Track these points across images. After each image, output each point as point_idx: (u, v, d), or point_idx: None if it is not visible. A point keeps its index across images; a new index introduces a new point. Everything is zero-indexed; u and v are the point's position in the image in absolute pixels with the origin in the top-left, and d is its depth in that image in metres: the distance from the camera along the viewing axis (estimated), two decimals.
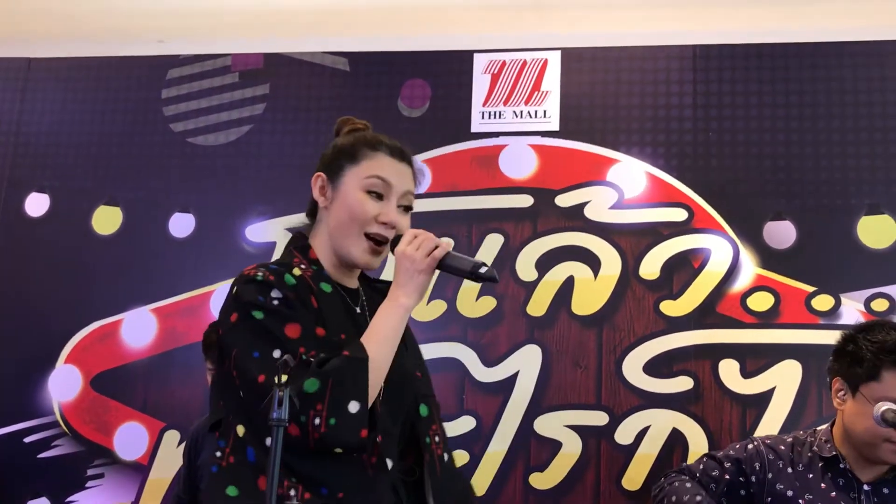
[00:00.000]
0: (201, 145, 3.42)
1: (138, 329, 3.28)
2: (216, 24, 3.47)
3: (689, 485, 2.31)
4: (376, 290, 1.77)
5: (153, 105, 3.49)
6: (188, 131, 3.44)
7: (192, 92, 3.48)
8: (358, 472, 1.52)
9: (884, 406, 2.04)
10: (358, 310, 1.69)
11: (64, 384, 3.28)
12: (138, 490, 3.16)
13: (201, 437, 2.54)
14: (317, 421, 1.43)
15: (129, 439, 3.19)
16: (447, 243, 1.61)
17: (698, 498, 2.24)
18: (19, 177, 3.50)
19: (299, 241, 1.73)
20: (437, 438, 1.67)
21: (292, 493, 1.47)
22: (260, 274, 1.58)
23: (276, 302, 1.54)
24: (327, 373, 1.46)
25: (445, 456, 1.68)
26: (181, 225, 3.36)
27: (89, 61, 3.57)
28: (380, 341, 1.55)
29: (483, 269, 1.57)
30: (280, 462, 1.30)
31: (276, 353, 1.49)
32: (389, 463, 1.55)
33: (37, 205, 3.47)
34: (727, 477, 2.31)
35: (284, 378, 1.30)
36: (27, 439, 3.25)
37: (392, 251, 1.65)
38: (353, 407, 1.45)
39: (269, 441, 1.44)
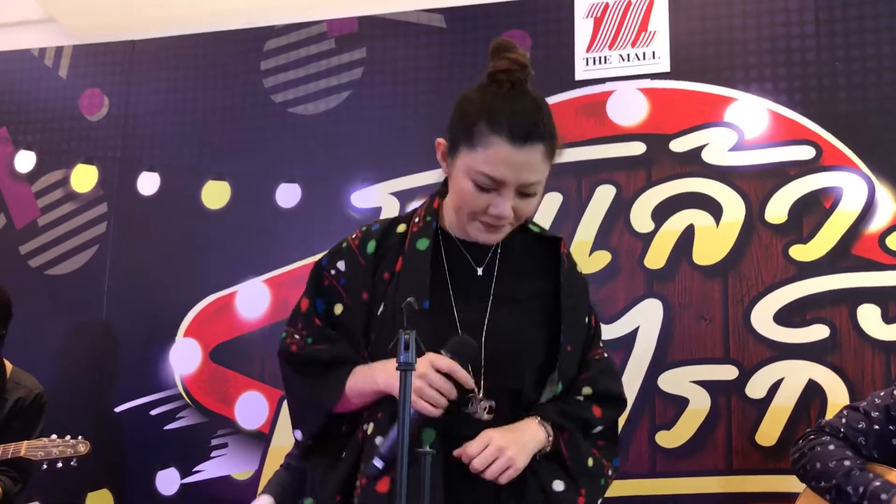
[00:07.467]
0: (302, 114, 3.41)
1: (252, 300, 3.31)
2: None
3: (831, 447, 2.14)
4: (534, 243, 1.66)
5: (253, 77, 3.49)
6: (288, 101, 3.44)
7: (289, 62, 3.46)
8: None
9: None
10: (479, 271, 1.59)
11: (184, 357, 3.34)
12: (261, 458, 3.20)
13: None
14: None
15: (250, 409, 3.24)
16: (432, 410, 1.45)
17: (847, 463, 2.09)
18: (130, 157, 3.58)
19: (439, 188, 1.69)
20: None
21: None
22: (348, 240, 1.65)
23: (332, 272, 1.64)
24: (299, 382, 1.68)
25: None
26: (288, 195, 3.36)
27: (189, 39, 3.60)
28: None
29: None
30: None
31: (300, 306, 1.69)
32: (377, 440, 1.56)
33: (148, 184, 3.54)
34: (876, 427, 2.15)
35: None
36: (153, 412, 3.33)
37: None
38: (298, 435, 1.68)
39: None
